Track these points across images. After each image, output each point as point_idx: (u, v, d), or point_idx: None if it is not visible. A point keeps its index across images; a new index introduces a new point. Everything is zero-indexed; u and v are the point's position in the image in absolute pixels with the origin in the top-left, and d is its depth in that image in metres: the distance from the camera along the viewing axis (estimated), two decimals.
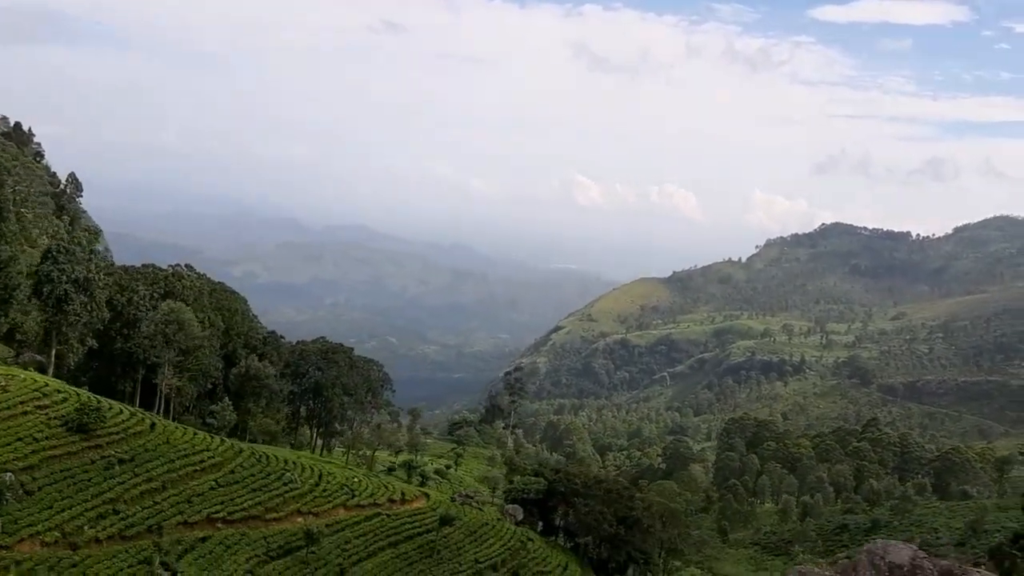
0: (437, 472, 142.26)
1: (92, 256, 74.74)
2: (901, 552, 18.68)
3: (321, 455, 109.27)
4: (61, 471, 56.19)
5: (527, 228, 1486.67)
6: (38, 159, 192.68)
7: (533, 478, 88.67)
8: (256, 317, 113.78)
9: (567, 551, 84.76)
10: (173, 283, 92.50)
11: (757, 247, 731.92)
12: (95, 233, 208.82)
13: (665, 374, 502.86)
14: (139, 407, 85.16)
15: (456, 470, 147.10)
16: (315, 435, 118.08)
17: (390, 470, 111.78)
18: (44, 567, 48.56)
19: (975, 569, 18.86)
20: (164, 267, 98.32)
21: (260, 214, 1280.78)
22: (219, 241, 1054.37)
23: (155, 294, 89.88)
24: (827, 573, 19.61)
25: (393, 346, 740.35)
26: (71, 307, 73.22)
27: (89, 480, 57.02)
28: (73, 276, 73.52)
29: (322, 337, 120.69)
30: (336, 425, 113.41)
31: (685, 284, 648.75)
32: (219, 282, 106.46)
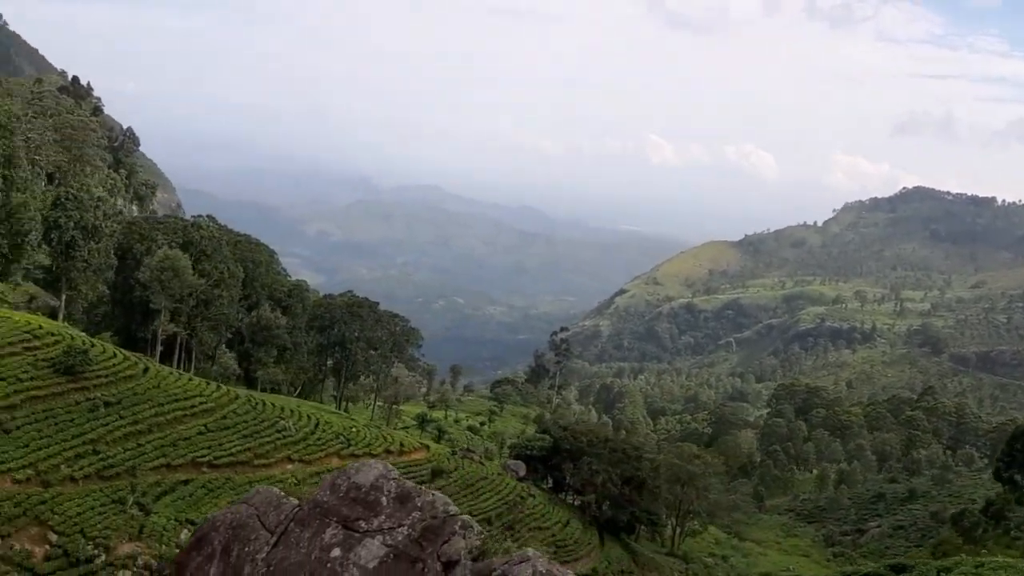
0: (470, 428, 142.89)
1: (100, 204, 75.53)
2: (369, 472, 17.32)
3: (346, 410, 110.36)
4: (43, 411, 56.98)
5: (596, 189, 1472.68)
6: (96, 113, 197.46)
7: (539, 435, 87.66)
8: (284, 270, 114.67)
9: (573, 508, 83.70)
10: (192, 233, 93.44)
11: (834, 211, 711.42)
12: (152, 187, 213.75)
13: (731, 340, 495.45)
14: (159, 356, 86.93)
15: (489, 427, 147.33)
16: (341, 388, 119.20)
17: (420, 424, 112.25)
18: (10, 503, 49.33)
19: (429, 490, 17.54)
20: (187, 218, 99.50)
21: (332, 172, 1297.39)
22: (293, 198, 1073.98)
23: (173, 243, 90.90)
24: (288, 495, 18.37)
25: (460, 307, 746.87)
26: (78, 253, 74.42)
27: (71, 421, 57.74)
28: (81, 223, 74.60)
29: (350, 291, 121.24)
30: (361, 378, 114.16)
31: (757, 248, 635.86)
32: (244, 234, 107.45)
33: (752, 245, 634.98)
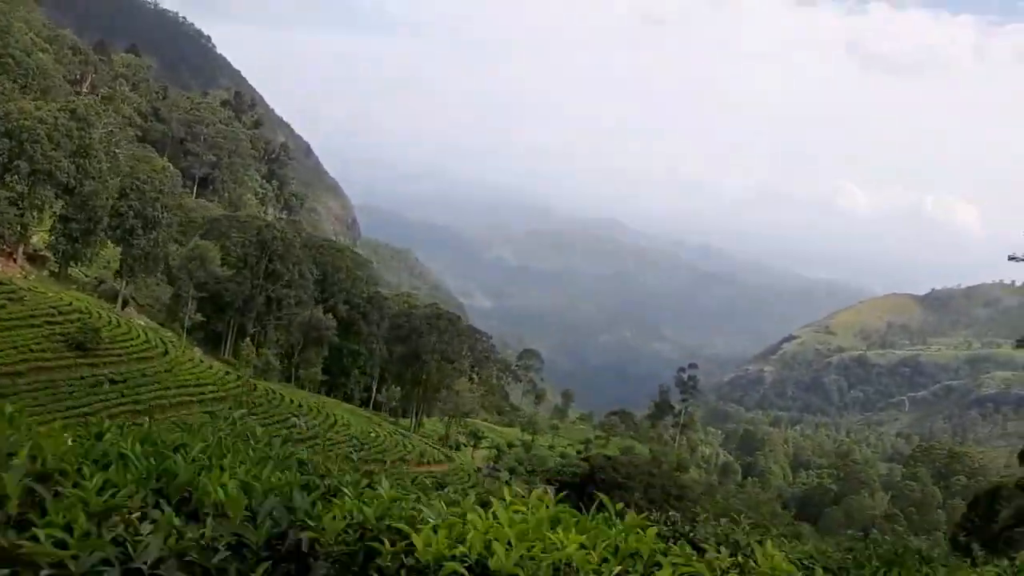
0: (562, 455, 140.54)
1: (161, 196, 80.00)
2: None
3: (420, 423, 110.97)
4: (46, 381, 60.44)
5: (781, 231, 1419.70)
6: (256, 127, 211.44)
7: (579, 462, 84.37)
8: (369, 279, 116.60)
9: None
10: (265, 233, 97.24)
11: None
12: (301, 198, 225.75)
13: (904, 399, 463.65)
14: (230, 351, 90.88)
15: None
16: (418, 399, 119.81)
17: (474, 440, 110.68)
18: None
19: None
20: (265, 219, 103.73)
21: (514, 200, 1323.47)
22: (475, 223, 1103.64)
23: (248, 241, 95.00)
24: None
25: (627, 340, 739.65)
26: (137, 242, 79.00)
27: (70, 394, 60.88)
28: (142, 213, 79.20)
29: (434, 304, 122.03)
30: (435, 391, 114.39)
31: (943, 304, 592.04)
32: (326, 239, 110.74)
33: (939, 300, 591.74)
